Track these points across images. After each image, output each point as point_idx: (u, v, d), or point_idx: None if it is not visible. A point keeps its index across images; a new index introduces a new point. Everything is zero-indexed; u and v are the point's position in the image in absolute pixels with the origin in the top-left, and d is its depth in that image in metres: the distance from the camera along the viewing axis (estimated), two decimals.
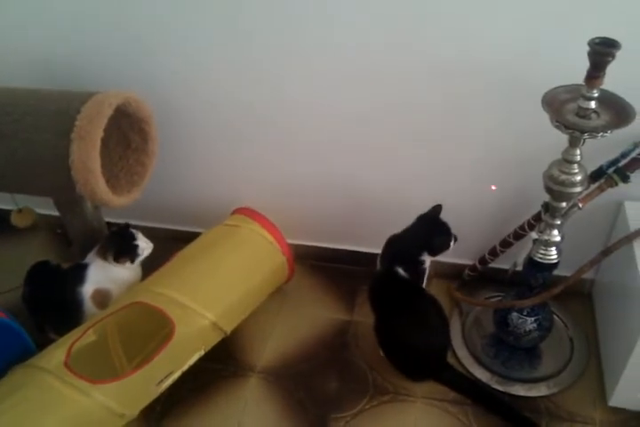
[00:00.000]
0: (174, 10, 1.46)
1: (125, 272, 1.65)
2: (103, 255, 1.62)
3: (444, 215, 1.68)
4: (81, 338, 1.40)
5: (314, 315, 1.79)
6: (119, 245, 1.62)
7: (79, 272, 1.62)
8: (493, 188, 1.60)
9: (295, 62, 1.48)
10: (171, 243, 1.76)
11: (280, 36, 1.44)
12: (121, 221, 1.96)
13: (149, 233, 1.74)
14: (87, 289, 1.61)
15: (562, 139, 1.23)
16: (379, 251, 1.84)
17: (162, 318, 1.44)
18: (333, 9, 1.37)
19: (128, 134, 1.62)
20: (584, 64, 1.11)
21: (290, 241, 1.76)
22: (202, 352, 1.48)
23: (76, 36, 1.57)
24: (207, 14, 1.44)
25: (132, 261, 1.63)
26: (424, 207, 1.65)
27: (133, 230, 1.67)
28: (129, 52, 1.57)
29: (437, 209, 1.54)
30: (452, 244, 1.53)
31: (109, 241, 1.64)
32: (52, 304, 1.63)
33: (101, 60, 1.60)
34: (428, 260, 1.53)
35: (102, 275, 1.62)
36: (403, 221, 1.72)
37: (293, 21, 1.41)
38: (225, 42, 1.48)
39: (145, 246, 1.65)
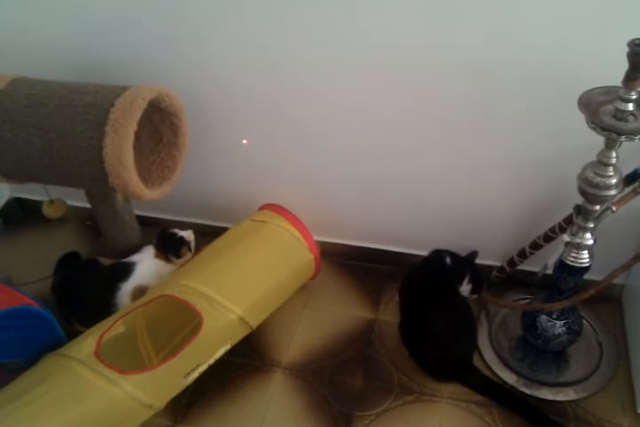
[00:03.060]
0: (202, 6, 1.46)
1: (172, 268, 1.72)
2: (166, 258, 1.71)
3: (473, 216, 1.69)
4: (110, 329, 1.42)
5: (339, 312, 1.79)
6: (171, 244, 1.73)
7: (124, 269, 1.67)
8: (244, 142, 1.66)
9: (324, 60, 1.47)
10: (199, 237, 1.78)
11: (308, 33, 1.44)
12: (151, 214, 2.00)
13: (178, 227, 1.76)
14: (129, 286, 1.64)
15: (596, 140, 1.21)
16: (405, 250, 1.86)
17: (189, 312, 1.45)
18: (362, 2, 1.36)
19: (160, 128, 1.63)
20: (622, 65, 1.10)
21: (316, 238, 1.77)
22: (228, 346, 1.49)
23: (105, 31, 1.58)
24: (234, 10, 1.44)
25: (191, 250, 1.75)
26: (451, 206, 1.65)
27: (169, 230, 1.76)
28: (158, 47, 1.58)
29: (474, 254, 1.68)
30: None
31: (162, 247, 1.73)
32: (84, 297, 1.66)
33: (129, 55, 1.61)
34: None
35: (152, 272, 1.68)
36: (430, 220, 1.72)
37: (318, 14, 1.40)
38: (255, 40, 1.48)
39: (187, 234, 1.76)
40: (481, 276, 1.67)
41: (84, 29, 1.59)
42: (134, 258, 1.70)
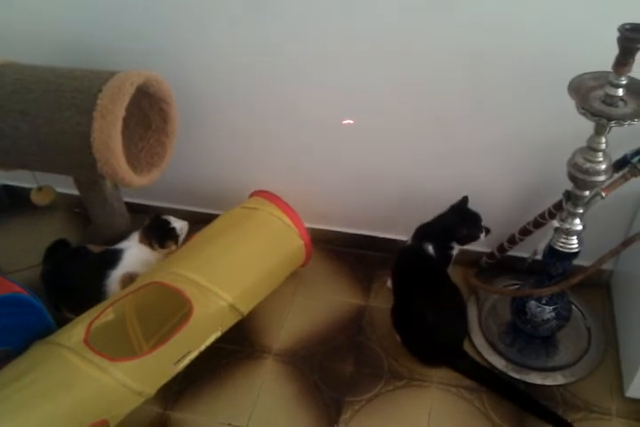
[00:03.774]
0: None
1: (160, 256, 1.71)
2: (149, 244, 1.69)
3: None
4: (100, 317, 1.41)
5: (330, 299, 1.79)
6: (158, 233, 1.70)
7: (112, 256, 1.66)
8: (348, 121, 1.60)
9: (316, 46, 1.47)
10: (189, 225, 1.77)
11: (301, 19, 1.43)
12: (140, 201, 1.99)
13: (168, 214, 1.75)
14: (118, 273, 1.63)
15: (586, 125, 1.21)
16: (396, 237, 1.86)
17: (180, 299, 1.45)
18: None
19: (148, 114, 1.62)
20: (613, 50, 1.09)
21: (307, 225, 1.76)
22: (219, 333, 1.49)
23: (99, 18, 1.57)
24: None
25: (177, 243, 1.72)
26: (442, 193, 1.65)
27: (165, 216, 1.74)
28: (152, 34, 1.57)
29: (463, 200, 1.59)
30: (482, 235, 1.59)
31: (149, 231, 1.70)
32: (73, 285, 1.65)
33: (125, 41, 1.60)
34: (456, 246, 1.60)
35: (140, 258, 1.67)
36: (421, 206, 1.72)
37: (316, 3, 1.39)
38: (247, 25, 1.47)
39: (181, 226, 1.74)
40: (473, 227, 1.58)
41: (73, 17, 1.58)
42: (122, 245, 1.69)
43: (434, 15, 1.34)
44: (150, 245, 1.69)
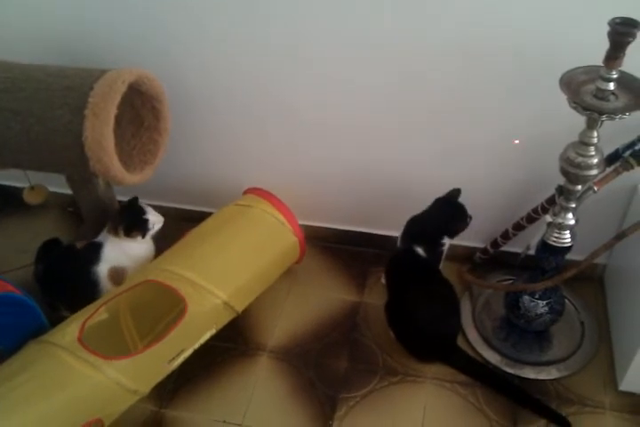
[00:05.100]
0: None
1: (140, 248, 1.66)
2: (114, 230, 1.62)
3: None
4: (93, 315, 1.41)
5: (324, 296, 1.79)
6: (129, 219, 1.63)
7: (94, 251, 1.63)
8: (516, 142, 1.56)
9: (315, 46, 1.47)
10: (182, 222, 1.77)
11: (296, 17, 1.43)
12: None
13: (160, 212, 1.74)
14: (103, 268, 1.62)
15: (578, 121, 1.22)
16: (390, 233, 1.86)
17: (174, 297, 1.45)
18: None
19: (141, 112, 1.61)
20: (603, 44, 1.10)
21: (301, 222, 1.76)
22: (213, 331, 1.49)
23: (91, 15, 1.56)
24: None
25: (143, 236, 1.65)
26: (436, 189, 1.65)
27: (143, 205, 1.68)
28: (146, 32, 1.56)
29: (455, 193, 1.59)
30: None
31: (120, 216, 1.64)
32: (66, 283, 1.64)
33: (121, 42, 1.60)
34: (447, 242, 1.60)
35: (118, 252, 1.63)
36: (415, 203, 1.72)
37: (315, 3, 1.39)
38: (242, 23, 1.47)
39: (155, 220, 1.67)
40: (461, 218, 1.59)
41: (65, 14, 1.57)
42: (100, 237, 1.65)
43: (425, 15, 1.35)
44: (115, 232, 1.63)
